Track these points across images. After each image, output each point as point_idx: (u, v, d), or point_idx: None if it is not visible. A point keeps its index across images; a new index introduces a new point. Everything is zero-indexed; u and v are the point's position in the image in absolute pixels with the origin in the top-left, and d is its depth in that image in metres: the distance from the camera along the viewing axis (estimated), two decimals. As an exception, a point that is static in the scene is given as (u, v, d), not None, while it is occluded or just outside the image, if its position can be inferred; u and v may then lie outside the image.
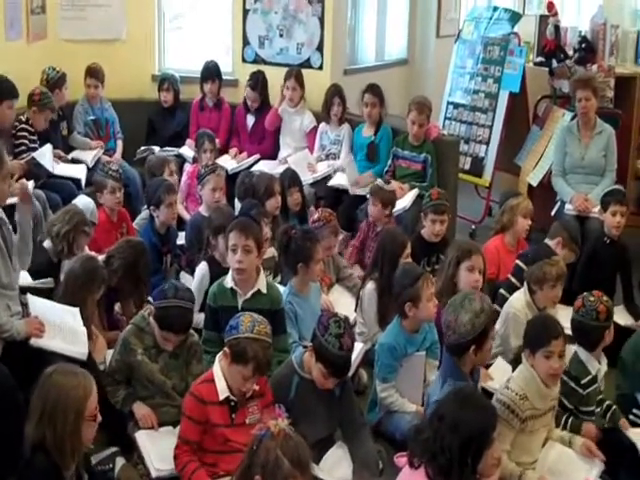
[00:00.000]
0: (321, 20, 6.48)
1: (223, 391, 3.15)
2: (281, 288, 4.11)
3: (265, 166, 6.08)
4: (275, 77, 6.38)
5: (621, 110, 6.43)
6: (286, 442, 2.42)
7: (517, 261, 4.57)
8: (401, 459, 2.87)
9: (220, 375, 3.15)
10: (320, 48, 6.52)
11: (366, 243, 5.23)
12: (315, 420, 3.31)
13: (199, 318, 4.02)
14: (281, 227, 4.58)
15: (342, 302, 4.65)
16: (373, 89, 6.00)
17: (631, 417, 3.78)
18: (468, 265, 4.11)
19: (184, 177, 5.91)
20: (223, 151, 6.34)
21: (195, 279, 4.39)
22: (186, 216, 5.56)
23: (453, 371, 3.24)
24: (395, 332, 3.76)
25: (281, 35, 6.63)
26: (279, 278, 4.59)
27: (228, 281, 3.85)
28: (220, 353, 3.21)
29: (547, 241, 4.79)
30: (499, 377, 3.78)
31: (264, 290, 3.85)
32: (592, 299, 3.65)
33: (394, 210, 5.32)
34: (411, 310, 3.69)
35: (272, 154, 6.36)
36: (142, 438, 3.36)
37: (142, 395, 3.52)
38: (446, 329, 3.23)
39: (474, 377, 3.36)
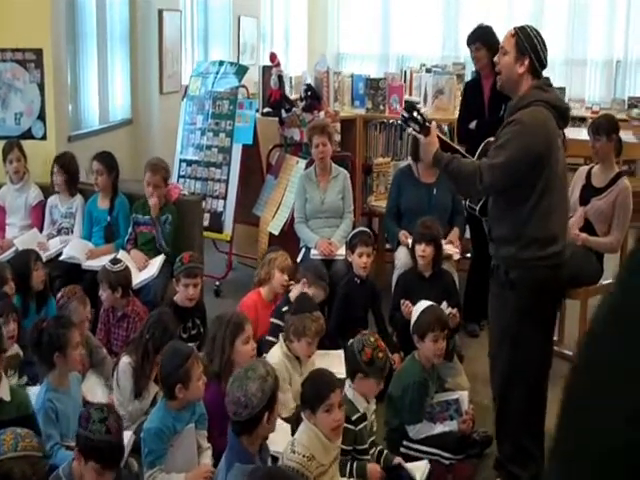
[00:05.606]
0: (40, 86, 6.00)
1: None
2: (35, 389, 3.69)
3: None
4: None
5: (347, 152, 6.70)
6: None
7: (272, 319, 4.66)
8: None
9: None
10: (42, 116, 6.03)
11: (110, 332, 4.78)
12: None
13: None
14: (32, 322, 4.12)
15: (97, 390, 4.30)
16: (101, 157, 5.62)
17: (402, 450, 3.94)
18: (244, 338, 3.93)
19: None
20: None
21: None
22: None
23: (240, 454, 3.02)
24: (161, 414, 3.48)
25: (-5, 106, 6.07)
26: (25, 379, 4.12)
27: None
28: (-22, 485, 2.78)
29: (293, 286, 4.88)
30: (280, 438, 3.67)
31: (7, 398, 3.42)
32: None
33: (140, 280, 5.09)
34: (181, 392, 3.45)
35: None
36: None
37: None
38: (236, 408, 3.00)
39: (262, 456, 3.15)
